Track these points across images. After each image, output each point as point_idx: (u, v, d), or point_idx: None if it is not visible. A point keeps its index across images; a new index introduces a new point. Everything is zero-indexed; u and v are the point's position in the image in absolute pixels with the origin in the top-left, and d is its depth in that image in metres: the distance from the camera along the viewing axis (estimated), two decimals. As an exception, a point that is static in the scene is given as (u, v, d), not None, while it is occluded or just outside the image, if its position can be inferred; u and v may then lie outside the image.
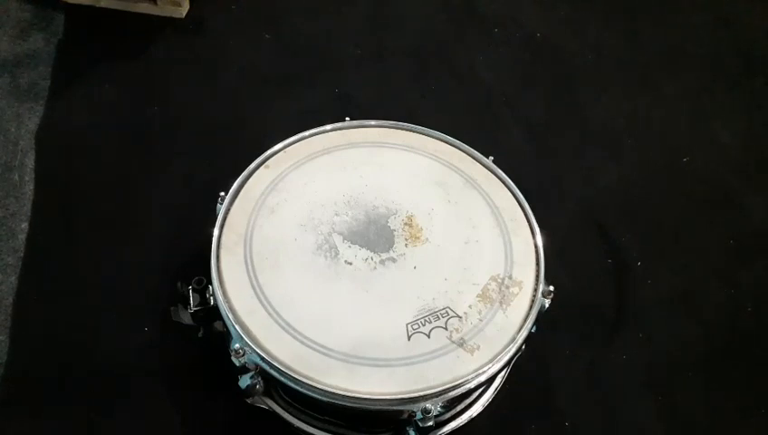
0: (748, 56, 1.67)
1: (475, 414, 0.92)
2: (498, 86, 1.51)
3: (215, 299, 0.82)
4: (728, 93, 1.57)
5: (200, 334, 0.91)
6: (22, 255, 1.11)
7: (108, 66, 1.43)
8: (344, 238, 0.89)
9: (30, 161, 1.24)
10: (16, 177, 1.21)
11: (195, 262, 1.07)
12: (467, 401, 0.91)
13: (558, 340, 1.08)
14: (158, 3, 1.52)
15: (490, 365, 0.78)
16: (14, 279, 1.07)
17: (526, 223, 0.94)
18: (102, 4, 1.54)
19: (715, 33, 1.72)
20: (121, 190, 1.22)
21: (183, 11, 1.55)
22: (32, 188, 1.20)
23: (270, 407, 0.89)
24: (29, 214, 1.16)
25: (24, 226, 1.15)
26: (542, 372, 1.05)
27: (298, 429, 0.89)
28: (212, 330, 0.86)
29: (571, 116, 1.48)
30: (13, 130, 1.28)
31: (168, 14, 1.54)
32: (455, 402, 0.86)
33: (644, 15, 1.75)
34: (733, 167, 1.41)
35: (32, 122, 1.30)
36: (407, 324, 0.81)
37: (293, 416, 0.89)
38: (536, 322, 0.84)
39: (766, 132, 1.49)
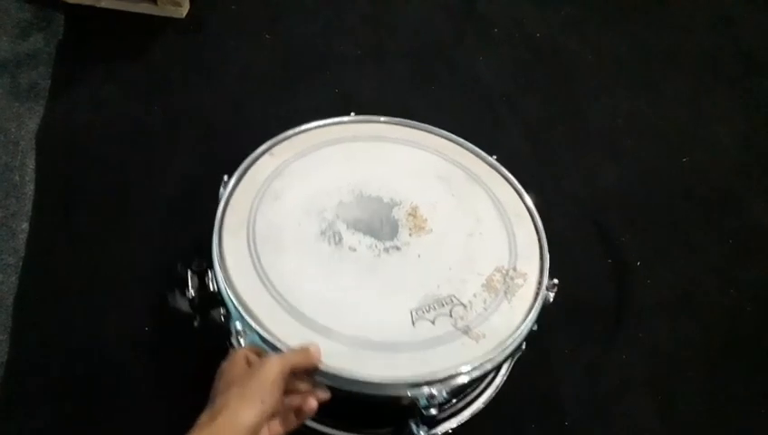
0: (748, 56, 1.67)
1: (475, 413, 0.92)
2: (498, 86, 1.51)
3: (216, 281, 0.80)
4: (728, 93, 1.57)
5: (196, 324, 0.89)
6: (22, 255, 1.11)
7: (108, 66, 1.43)
8: (348, 226, 0.88)
9: (30, 161, 1.24)
10: (16, 177, 1.21)
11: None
12: (467, 400, 0.91)
13: (558, 340, 1.08)
14: (158, 3, 1.52)
15: (495, 353, 0.77)
16: (14, 279, 1.07)
17: (529, 218, 0.94)
18: (102, 5, 1.54)
19: (714, 33, 1.72)
20: (121, 190, 1.22)
21: (183, 11, 1.55)
22: (32, 188, 1.20)
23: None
24: (29, 214, 1.16)
25: (25, 226, 1.15)
26: (542, 372, 1.05)
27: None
28: (209, 321, 0.85)
29: (571, 116, 1.48)
30: (13, 130, 1.28)
31: (168, 14, 1.54)
32: (456, 395, 0.86)
33: (644, 15, 1.75)
34: (733, 167, 1.41)
35: (32, 122, 1.30)
36: (411, 311, 0.80)
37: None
38: (538, 319, 0.84)
39: (766, 132, 1.50)
